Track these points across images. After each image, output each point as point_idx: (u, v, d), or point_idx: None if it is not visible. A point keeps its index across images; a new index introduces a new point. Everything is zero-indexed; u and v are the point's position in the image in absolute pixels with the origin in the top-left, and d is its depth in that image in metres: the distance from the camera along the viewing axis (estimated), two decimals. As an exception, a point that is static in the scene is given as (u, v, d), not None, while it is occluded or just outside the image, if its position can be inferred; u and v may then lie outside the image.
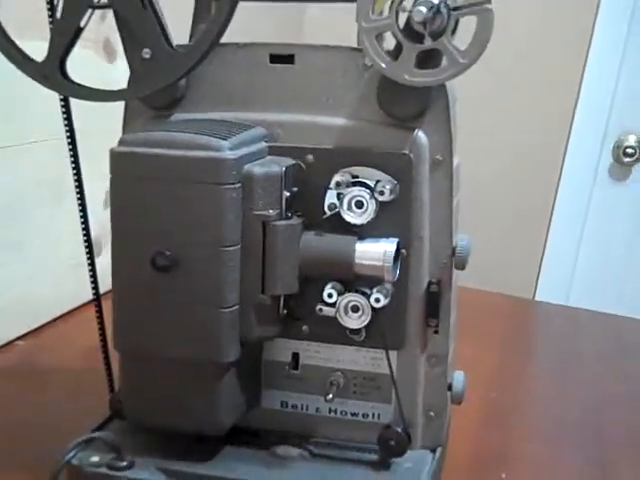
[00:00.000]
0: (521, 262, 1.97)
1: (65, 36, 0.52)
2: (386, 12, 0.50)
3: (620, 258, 1.96)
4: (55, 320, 0.95)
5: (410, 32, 0.50)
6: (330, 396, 0.58)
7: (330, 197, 0.54)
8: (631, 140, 1.91)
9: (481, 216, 1.83)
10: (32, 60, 0.53)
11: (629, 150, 1.91)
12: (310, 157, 0.55)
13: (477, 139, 1.77)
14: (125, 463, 0.55)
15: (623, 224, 1.95)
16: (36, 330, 0.91)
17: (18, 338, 0.88)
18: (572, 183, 1.92)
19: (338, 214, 0.53)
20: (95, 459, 0.55)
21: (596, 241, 1.97)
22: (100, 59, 0.95)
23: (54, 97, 0.57)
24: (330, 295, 0.54)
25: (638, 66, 1.86)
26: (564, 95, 1.87)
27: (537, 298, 1.90)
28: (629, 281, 1.96)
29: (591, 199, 1.94)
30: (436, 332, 0.58)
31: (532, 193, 1.94)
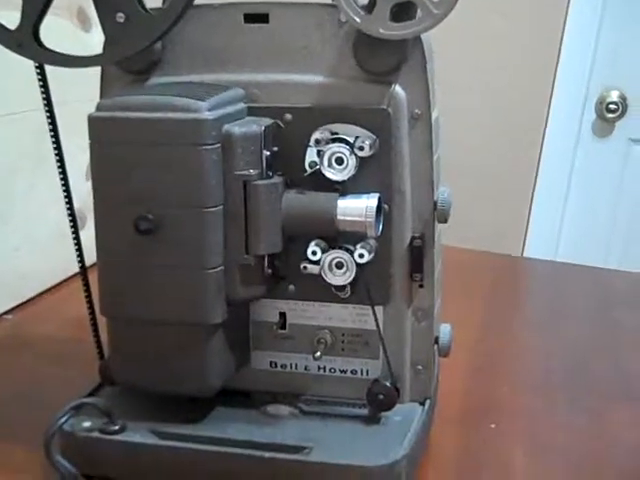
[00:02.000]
0: (509, 221, 1.98)
1: (37, 2, 0.52)
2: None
3: (606, 213, 1.97)
4: (43, 293, 0.95)
5: (383, -15, 0.49)
6: (318, 354, 0.58)
7: (310, 155, 0.54)
8: (613, 96, 1.92)
9: (467, 176, 1.83)
10: (5, 28, 0.53)
11: (612, 106, 1.92)
12: (289, 116, 0.55)
13: (460, 95, 1.77)
14: (117, 427, 0.56)
15: (608, 179, 1.96)
16: (24, 303, 0.91)
17: (6, 312, 0.89)
18: (556, 140, 1.93)
19: (319, 171, 0.53)
20: (87, 424, 0.56)
21: (582, 197, 1.98)
22: (75, 28, 0.94)
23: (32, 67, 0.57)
24: (314, 253, 0.54)
25: (618, 21, 1.86)
26: (545, 51, 1.87)
27: (525, 255, 1.91)
28: (615, 235, 1.97)
29: (575, 155, 1.95)
30: (421, 286, 0.58)
31: (517, 152, 1.94)
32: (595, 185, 1.97)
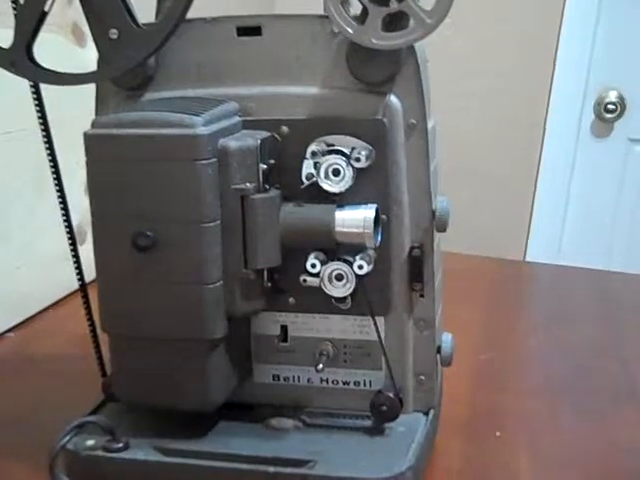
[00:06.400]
0: (510, 225, 1.98)
1: (30, 21, 0.52)
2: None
3: (608, 214, 1.97)
4: (45, 310, 0.95)
5: (375, -4, 0.49)
6: (320, 366, 0.58)
7: (307, 167, 0.53)
8: (611, 96, 1.92)
9: (466, 180, 1.83)
10: (-2, 47, 0.53)
11: (610, 106, 1.92)
12: (284, 128, 0.55)
13: (459, 101, 1.78)
14: (120, 445, 0.55)
15: (608, 180, 1.96)
16: (26, 321, 0.91)
17: (8, 330, 0.88)
18: (556, 142, 1.93)
19: (316, 183, 0.53)
20: (90, 442, 0.56)
21: (583, 198, 1.98)
22: (70, 44, 0.94)
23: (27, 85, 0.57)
24: (313, 265, 0.54)
25: (615, 22, 1.86)
26: (542, 53, 1.87)
27: (528, 259, 1.91)
28: (617, 236, 1.97)
29: (575, 156, 1.95)
30: (422, 296, 0.58)
31: (517, 155, 1.94)
32: (596, 186, 1.96)
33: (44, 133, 0.58)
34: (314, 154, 0.53)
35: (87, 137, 0.52)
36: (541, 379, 0.80)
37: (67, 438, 0.54)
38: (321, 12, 0.52)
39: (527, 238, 1.97)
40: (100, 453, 0.55)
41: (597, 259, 1.76)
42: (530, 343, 0.89)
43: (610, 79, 1.91)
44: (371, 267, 0.54)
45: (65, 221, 0.61)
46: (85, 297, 0.62)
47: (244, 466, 0.54)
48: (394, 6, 0.49)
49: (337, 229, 0.53)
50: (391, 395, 0.57)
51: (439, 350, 0.60)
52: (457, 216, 0.58)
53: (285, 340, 0.60)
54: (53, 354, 0.83)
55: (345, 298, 0.55)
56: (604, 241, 1.97)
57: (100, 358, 0.63)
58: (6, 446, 0.64)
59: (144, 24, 0.52)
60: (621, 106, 1.91)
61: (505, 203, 1.96)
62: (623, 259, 1.92)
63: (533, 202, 1.96)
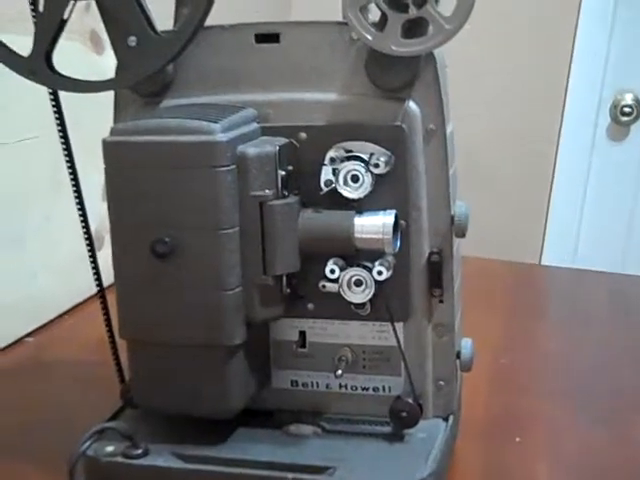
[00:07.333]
0: (526, 228, 1.97)
1: (49, 29, 0.52)
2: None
3: (624, 217, 1.96)
4: (63, 315, 0.95)
5: (394, 2, 0.49)
6: (339, 372, 0.58)
7: (325, 173, 0.53)
8: (628, 99, 1.91)
9: (482, 184, 1.83)
10: (18, 55, 0.53)
11: (626, 109, 1.90)
12: (303, 135, 0.55)
13: (472, 103, 1.77)
14: (140, 451, 0.55)
15: (625, 183, 1.95)
16: (45, 326, 0.92)
17: (27, 335, 0.89)
18: (571, 145, 1.92)
19: (335, 190, 0.53)
20: (110, 449, 0.56)
21: (599, 202, 1.97)
22: (88, 51, 0.94)
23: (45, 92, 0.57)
24: (332, 271, 0.54)
25: (630, 24, 1.85)
26: (558, 57, 1.86)
27: (544, 262, 1.90)
28: (633, 239, 1.96)
29: (591, 160, 1.94)
30: (441, 301, 0.58)
31: (532, 159, 1.94)
32: (612, 189, 1.95)
33: (63, 140, 0.59)
34: (333, 160, 0.53)
35: (105, 144, 0.52)
36: (560, 385, 0.79)
37: (87, 444, 0.54)
38: (339, 19, 0.52)
39: (543, 242, 1.96)
40: (120, 459, 0.55)
41: (613, 262, 1.75)
42: (548, 347, 0.89)
43: (626, 82, 1.90)
44: (390, 273, 0.54)
45: (84, 227, 0.61)
46: (104, 303, 0.62)
47: (263, 472, 0.54)
48: (413, 12, 0.49)
49: (356, 235, 0.53)
50: (410, 401, 0.57)
51: (459, 355, 0.60)
52: (473, 220, 0.58)
53: (304, 346, 0.60)
54: (71, 359, 0.83)
55: (364, 304, 0.55)
56: (620, 244, 1.96)
57: (118, 364, 0.63)
58: (24, 451, 0.65)
59: (163, 31, 0.52)
60: (637, 109, 1.90)
61: (521, 207, 1.96)
62: (638, 262, 1.91)
63: (549, 206, 1.95)
